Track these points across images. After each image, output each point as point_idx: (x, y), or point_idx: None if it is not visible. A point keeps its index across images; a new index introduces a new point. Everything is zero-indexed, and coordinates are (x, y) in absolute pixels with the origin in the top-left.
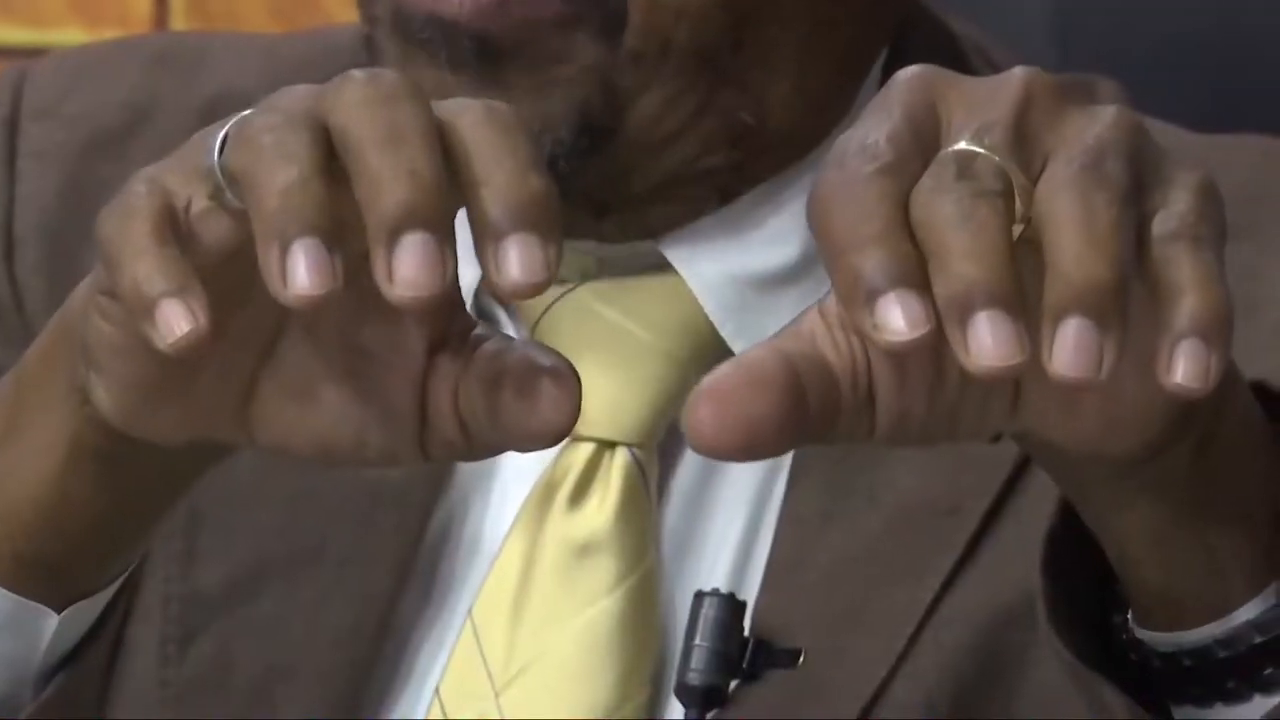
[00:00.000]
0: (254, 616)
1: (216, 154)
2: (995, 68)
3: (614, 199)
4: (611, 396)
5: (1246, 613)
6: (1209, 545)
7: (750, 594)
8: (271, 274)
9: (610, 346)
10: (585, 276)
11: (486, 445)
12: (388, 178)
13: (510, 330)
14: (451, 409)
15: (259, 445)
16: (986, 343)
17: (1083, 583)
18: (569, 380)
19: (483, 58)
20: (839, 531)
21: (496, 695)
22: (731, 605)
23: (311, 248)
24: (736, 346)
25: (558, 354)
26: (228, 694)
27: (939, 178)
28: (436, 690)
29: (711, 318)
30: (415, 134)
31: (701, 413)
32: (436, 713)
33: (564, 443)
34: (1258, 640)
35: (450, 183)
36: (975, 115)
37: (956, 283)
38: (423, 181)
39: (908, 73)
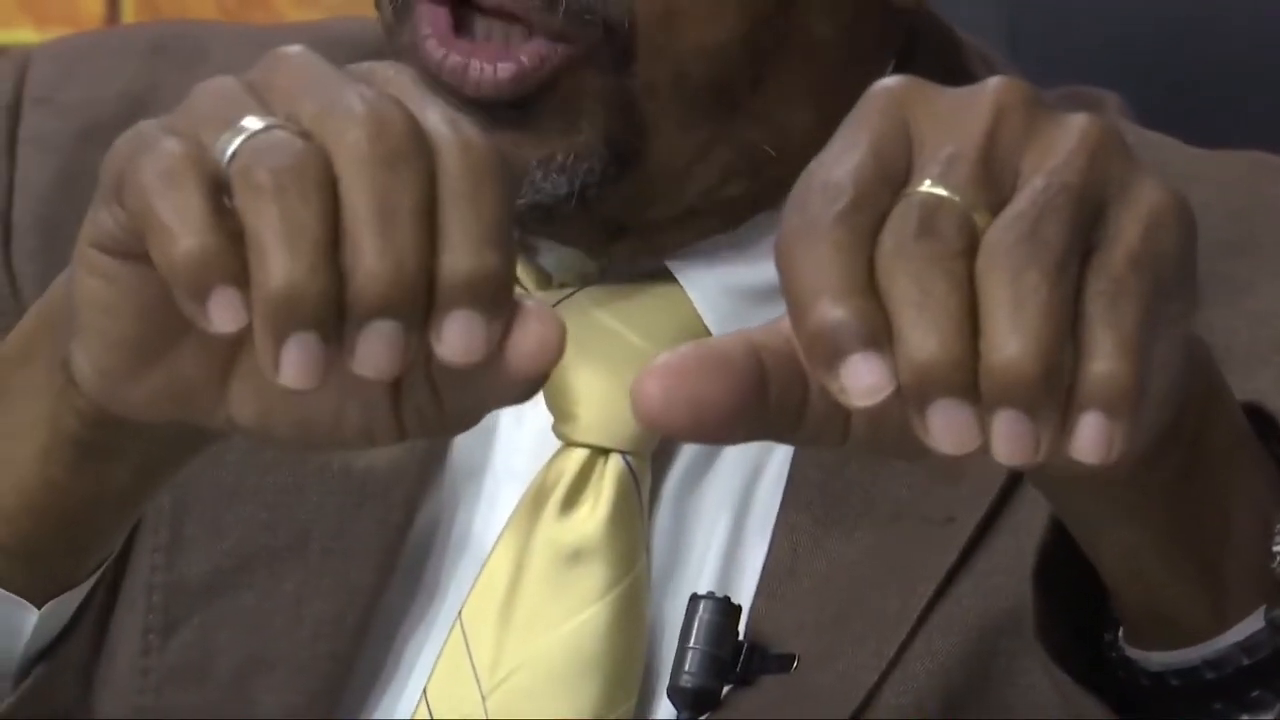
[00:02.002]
0: (236, 607)
1: (227, 158)
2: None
3: (632, 224)
4: (607, 403)
5: (1234, 635)
6: (1196, 566)
7: (736, 598)
8: (264, 357)
9: (607, 353)
10: (585, 282)
11: (461, 410)
12: (373, 263)
13: None
14: (424, 374)
15: (238, 426)
16: (941, 432)
17: (1075, 597)
18: (551, 317)
19: (511, 111)
20: (834, 539)
21: (484, 699)
22: (727, 609)
23: (307, 343)
24: None
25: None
26: (208, 684)
27: (900, 234)
28: (424, 691)
29: (710, 328)
30: (408, 213)
31: (650, 385)
32: (423, 713)
33: (557, 448)
34: (1245, 662)
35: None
36: (946, 138)
37: (912, 369)
38: (405, 276)
39: (881, 89)
